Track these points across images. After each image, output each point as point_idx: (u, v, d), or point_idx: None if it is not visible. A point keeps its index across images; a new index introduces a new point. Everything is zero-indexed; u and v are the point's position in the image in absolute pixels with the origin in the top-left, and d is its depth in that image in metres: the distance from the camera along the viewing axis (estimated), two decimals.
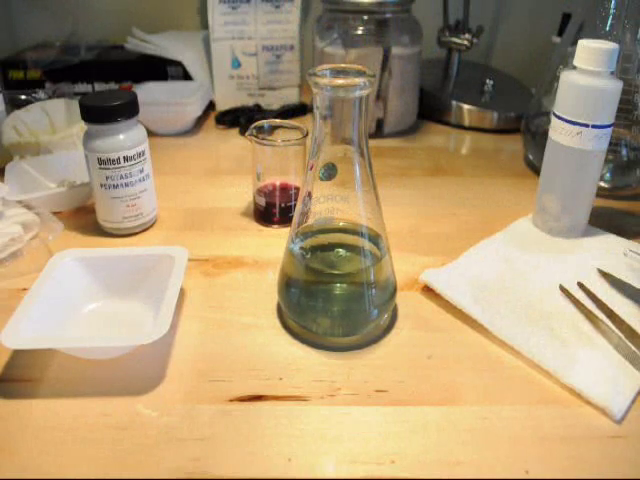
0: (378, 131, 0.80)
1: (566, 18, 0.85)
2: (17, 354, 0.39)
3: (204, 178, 0.67)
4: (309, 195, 0.39)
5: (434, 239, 0.55)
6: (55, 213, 0.54)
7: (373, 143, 0.65)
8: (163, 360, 0.39)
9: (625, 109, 0.57)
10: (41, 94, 0.76)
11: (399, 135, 0.81)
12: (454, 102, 0.84)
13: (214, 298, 0.46)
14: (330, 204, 0.39)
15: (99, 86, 0.88)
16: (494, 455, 0.33)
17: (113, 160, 0.50)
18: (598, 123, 0.48)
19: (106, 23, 0.98)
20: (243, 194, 0.61)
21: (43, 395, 0.36)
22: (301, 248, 0.41)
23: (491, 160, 0.74)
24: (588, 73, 0.48)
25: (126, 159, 0.51)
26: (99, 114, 0.49)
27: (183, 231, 0.56)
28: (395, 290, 0.43)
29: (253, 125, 0.54)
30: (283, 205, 0.56)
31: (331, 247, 0.42)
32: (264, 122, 0.55)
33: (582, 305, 0.44)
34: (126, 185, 0.52)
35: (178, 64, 0.87)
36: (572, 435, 0.34)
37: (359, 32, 0.74)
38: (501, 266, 0.48)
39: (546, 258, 0.50)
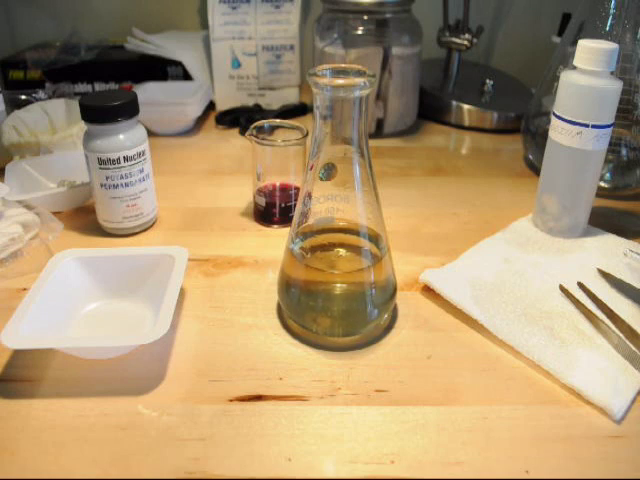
0: (378, 131, 0.80)
1: (566, 18, 0.85)
2: (17, 354, 0.39)
3: (204, 178, 0.67)
4: (309, 195, 0.39)
5: (434, 239, 0.55)
6: (55, 213, 0.54)
7: (373, 143, 0.65)
8: (163, 360, 0.39)
9: (625, 109, 0.57)
10: (41, 94, 0.75)
11: (399, 135, 0.81)
12: (454, 102, 0.84)
13: (214, 298, 0.46)
14: (330, 204, 0.39)
15: (99, 86, 0.88)
16: (494, 455, 0.33)
17: (113, 160, 0.50)
18: (598, 123, 0.48)
19: (106, 23, 0.98)
20: (243, 194, 0.61)
21: (43, 395, 0.36)
22: (301, 248, 0.41)
23: (491, 160, 0.74)
24: (588, 73, 0.48)
25: (126, 159, 0.51)
26: (99, 114, 0.49)
27: (183, 231, 0.56)
28: (395, 290, 0.43)
29: (253, 125, 0.55)
30: (283, 205, 0.56)
31: (331, 247, 0.42)
32: (264, 122, 0.55)
33: (582, 305, 0.44)
34: (126, 185, 0.52)
35: (178, 64, 0.87)
36: (572, 435, 0.34)
37: (359, 32, 0.74)
38: (501, 266, 0.48)
39: (546, 258, 0.50)
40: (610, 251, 0.51)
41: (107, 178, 0.51)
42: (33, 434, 0.34)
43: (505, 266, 0.49)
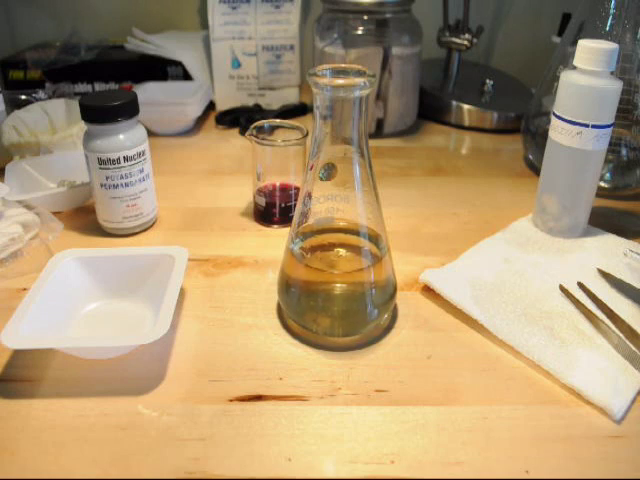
0: (378, 131, 0.80)
1: (566, 18, 0.85)
2: (17, 354, 0.39)
3: (204, 178, 0.67)
4: (309, 195, 0.39)
5: (434, 239, 0.55)
6: (55, 213, 0.54)
7: (373, 143, 0.65)
8: (163, 360, 0.39)
9: (625, 109, 0.57)
10: (41, 94, 0.75)
11: (399, 135, 0.81)
12: (454, 102, 0.84)
13: (214, 298, 0.46)
14: (330, 204, 0.39)
15: (99, 86, 0.88)
16: (494, 455, 0.33)
17: (113, 160, 0.50)
18: (598, 123, 0.48)
19: (106, 23, 0.98)
20: (243, 194, 0.61)
21: (43, 395, 0.36)
22: (301, 248, 0.41)
23: (491, 160, 0.74)
24: (588, 73, 0.48)
25: (126, 159, 0.51)
26: (99, 114, 0.49)
27: (183, 231, 0.56)
28: (395, 290, 0.43)
29: (253, 125, 0.55)
30: (283, 205, 0.56)
31: (331, 247, 0.42)
32: (264, 122, 0.55)
33: (582, 305, 0.44)
34: (126, 185, 0.52)
35: (178, 64, 0.87)
36: (572, 435, 0.34)
37: (359, 32, 0.74)
38: (501, 266, 0.48)
39: (546, 258, 0.50)
40: (610, 251, 0.51)
41: (107, 178, 0.51)
42: (33, 434, 0.34)
43: (505, 266, 0.49)
